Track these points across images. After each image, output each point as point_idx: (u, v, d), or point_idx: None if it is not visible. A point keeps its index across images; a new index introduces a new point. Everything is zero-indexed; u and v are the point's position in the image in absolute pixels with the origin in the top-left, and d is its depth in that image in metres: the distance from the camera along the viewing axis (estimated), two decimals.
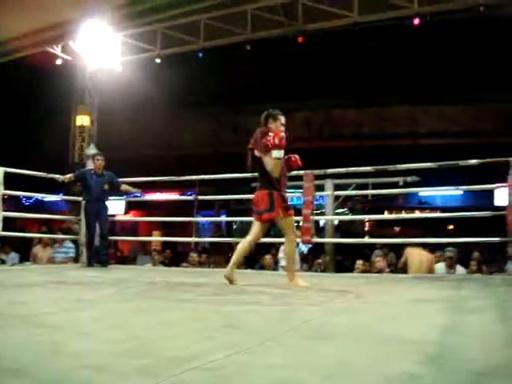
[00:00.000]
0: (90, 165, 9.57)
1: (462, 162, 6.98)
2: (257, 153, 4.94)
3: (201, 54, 13.44)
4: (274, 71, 13.59)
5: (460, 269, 8.53)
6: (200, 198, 9.08)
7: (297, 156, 5.12)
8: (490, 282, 5.74)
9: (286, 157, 4.99)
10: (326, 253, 10.00)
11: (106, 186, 8.19)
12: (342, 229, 15.57)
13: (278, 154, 4.71)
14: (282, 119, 5.01)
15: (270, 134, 4.75)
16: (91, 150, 11.10)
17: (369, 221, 16.33)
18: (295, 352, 1.96)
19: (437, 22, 11.87)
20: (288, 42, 12.90)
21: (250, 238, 5.05)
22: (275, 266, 9.26)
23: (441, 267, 8.55)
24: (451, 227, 16.69)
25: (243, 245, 5.05)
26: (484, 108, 13.93)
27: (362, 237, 15.10)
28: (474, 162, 6.68)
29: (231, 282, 4.88)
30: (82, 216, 8.35)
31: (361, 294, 4.19)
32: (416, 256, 8.46)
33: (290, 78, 13.67)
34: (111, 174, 8.34)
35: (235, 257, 5.02)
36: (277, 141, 4.66)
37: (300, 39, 12.66)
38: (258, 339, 2.16)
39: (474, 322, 2.71)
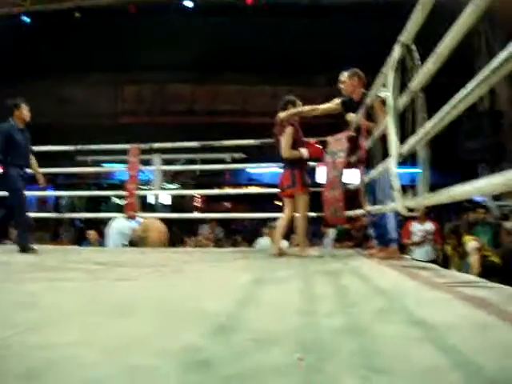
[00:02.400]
0: None
1: None
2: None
3: (28, 20, 12.61)
4: (104, 41, 13.05)
5: (284, 242, 8.92)
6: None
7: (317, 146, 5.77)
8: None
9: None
10: None
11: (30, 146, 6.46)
12: (173, 204, 15.61)
13: (304, 153, 5.56)
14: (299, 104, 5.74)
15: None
16: None
17: (200, 196, 16.52)
18: (89, 329, 1.89)
19: (272, 4, 12.23)
20: (120, 12, 12.54)
21: (284, 215, 5.64)
22: (101, 240, 9.06)
23: (266, 241, 8.89)
24: (280, 203, 17.43)
25: (280, 223, 5.67)
26: (314, 91, 14.52)
27: (192, 212, 15.30)
28: None
29: (281, 255, 5.46)
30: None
31: (179, 269, 4.21)
32: (155, 228, 8.64)
33: (121, 49, 13.23)
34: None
35: (276, 235, 5.71)
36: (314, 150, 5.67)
37: (133, 9, 12.40)
38: (54, 317, 2.06)
39: (275, 293, 2.80)
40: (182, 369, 1.38)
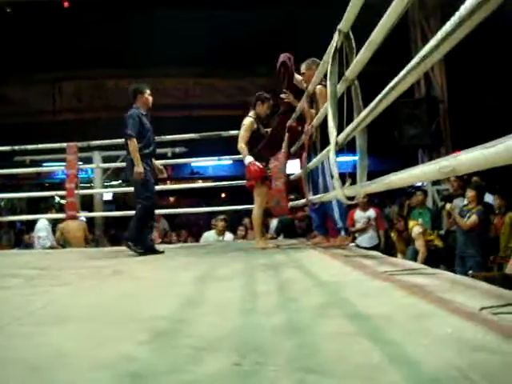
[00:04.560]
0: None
1: (223, 133, 7.23)
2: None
3: None
4: (39, 37, 12.61)
5: (229, 235, 8.87)
6: None
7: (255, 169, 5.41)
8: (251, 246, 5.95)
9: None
10: (96, 227, 9.75)
11: None
12: (117, 201, 15.30)
13: (246, 161, 5.45)
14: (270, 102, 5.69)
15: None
16: None
17: None
18: (15, 342, 1.77)
19: None
20: (54, 7, 12.12)
21: (255, 206, 5.60)
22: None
23: (211, 234, 8.81)
24: (223, 195, 17.35)
25: (254, 215, 5.59)
26: (255, 81, 14.37)
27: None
28: (235, 132, 6.90)
29: (265, 249, 5.35)
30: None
31: (119, 270, 4.07)
32: (71, 229, 8.63)
33: (57, 47, 12.81)
34: None
35: (255, 228, 5.66)
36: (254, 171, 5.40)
37: (66, 4, 12.02)
38: None
39: (218, 291, 2.75)
40: (113, 383, 1.31)
